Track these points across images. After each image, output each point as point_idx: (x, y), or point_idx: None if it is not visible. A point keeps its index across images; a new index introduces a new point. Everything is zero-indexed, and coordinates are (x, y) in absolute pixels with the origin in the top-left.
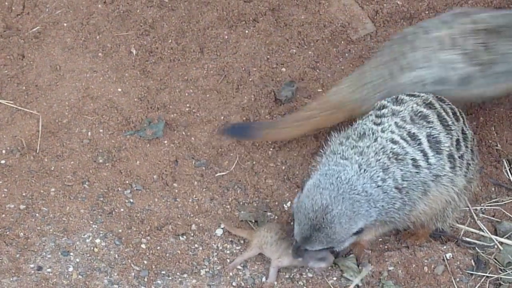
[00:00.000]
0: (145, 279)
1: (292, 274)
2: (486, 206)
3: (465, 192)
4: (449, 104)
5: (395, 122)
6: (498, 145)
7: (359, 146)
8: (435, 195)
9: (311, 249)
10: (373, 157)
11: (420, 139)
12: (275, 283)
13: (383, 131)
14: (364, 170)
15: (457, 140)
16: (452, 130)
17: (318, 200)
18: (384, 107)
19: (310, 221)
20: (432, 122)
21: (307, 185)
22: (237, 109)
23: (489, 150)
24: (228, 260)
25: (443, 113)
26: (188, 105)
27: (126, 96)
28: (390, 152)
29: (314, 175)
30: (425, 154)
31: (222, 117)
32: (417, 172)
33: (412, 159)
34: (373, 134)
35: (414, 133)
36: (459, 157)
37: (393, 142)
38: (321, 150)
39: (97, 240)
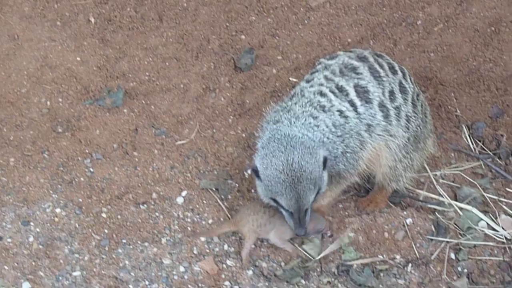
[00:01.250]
0: (106, 248)
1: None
2: (446, 171)
3: (411, 149)
4: (387, 60)
5: (325, 75)
6: (458, 111)
7: (287, 105)
8: (373, 145)
9: (308, 203)
10: (299, 109)
11: (347, 90)
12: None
13: (311, 86)
14: (294, 122)
15: (391, 91)
16: (384, 81)
17: (276, 163)
18: (319, 63)
19: (287, 182)
20: (361, 73)
21: (258, 163)
22: (197, 77)
23: (448, 116)
24: (189, 228)
25: (376, 66)
26: (147, 73)
27: (85, 65)
28: (317, 104)
29: (257, 153)
30: (353, 105)
31: (182, 85)
32: (346, 122)
33: (338, 110)
34: (301, 91)
35: (342, 85)
36: (394, 108)
37: (321, 94)
38: (259, 124)
39: (57, 210)
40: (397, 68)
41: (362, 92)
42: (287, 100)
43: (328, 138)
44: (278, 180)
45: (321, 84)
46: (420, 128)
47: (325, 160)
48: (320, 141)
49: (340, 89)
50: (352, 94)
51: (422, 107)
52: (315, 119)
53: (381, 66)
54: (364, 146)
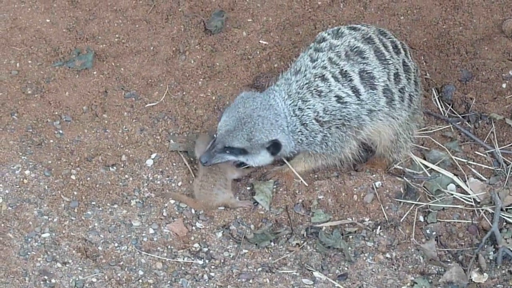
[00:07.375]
0: (75, 210)
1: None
2: (415, 134)
3: (410, 121)
4: (390, 38)
5: (329, 58)
6: (427, 74)
7: (291, 79)
8: (373, 127)
9: (228, 146)
10: (295, 89)
11: (351, 76)
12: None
13: (314, 68)
14: (287, 97)
15: (396, 74)
16: (390, 64)
17: (250, 102)
18: (323, 40)
19: (239, 113)
20: (367, 58)
21: (239, 96)
22: (167, 40)
23: None
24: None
25: (381, 48)
26: (117, 35)
27: (55, 27)
28: (314, 89)
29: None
30: (355, 91)
31: (152, 48)
32: (343, 107)
33: (335, 96)
34: (305, 71)
35: (346, 70)
36: (398, 90)
37: (322, 79)
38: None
39: (27, 172)
40: (399, 46)
41: (368, 78)
42: (292, 72)
43: (307, 126)
44: (236, 107)
45: (324, 67)
46: (418, 103)
47: (273, 145)
48: (291, 133)
49: (344, 74)
50: (356, 80)
51: (420, 83)
52: (304, 102)
53: (386, 47)
54: (361, 129)
